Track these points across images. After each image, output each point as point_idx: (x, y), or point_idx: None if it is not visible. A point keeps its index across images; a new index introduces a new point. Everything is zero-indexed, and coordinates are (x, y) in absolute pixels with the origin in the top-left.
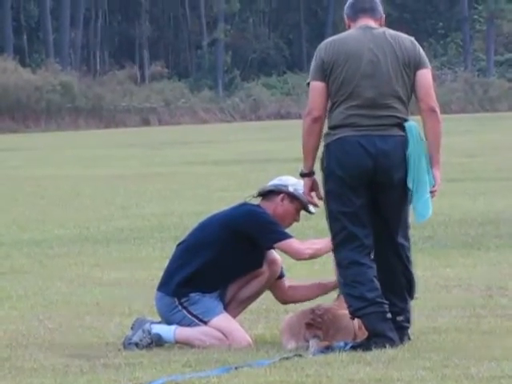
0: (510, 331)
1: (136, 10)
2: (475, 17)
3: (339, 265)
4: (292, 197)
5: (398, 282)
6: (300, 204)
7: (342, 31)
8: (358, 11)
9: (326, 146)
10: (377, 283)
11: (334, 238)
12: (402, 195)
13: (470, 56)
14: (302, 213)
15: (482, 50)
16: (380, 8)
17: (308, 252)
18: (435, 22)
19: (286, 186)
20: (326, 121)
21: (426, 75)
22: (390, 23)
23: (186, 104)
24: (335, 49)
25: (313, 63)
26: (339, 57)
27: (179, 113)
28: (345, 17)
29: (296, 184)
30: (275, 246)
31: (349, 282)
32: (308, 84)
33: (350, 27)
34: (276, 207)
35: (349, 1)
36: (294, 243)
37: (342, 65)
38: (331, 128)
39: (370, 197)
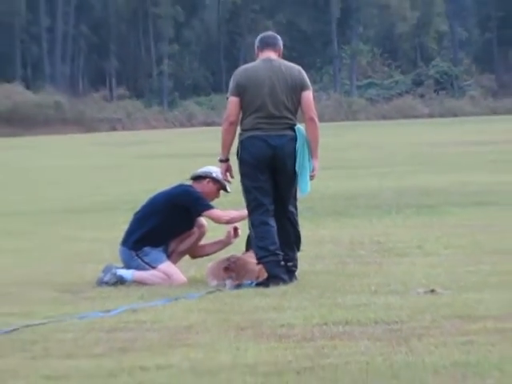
0: (366, 274)
1: (106, 51)
2: (343, 54)
3: (252, 224)
4: (215, 180)
5: (289, 239)
6: (220, 185)
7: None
8: (264, 45)
9: (241, 142)
10: (276, 239)
11: (248, 205)
12: (291, 177)
13: (338, 82)
14: (222, 191)
15: (347, 77)
16: (280, 43)
17: (225, 218)
18: (314, 58)
19: (210, 172)
20: (239, 125)
21: (308, 95)
22: (284, 58)
23: (141, 115)
24: (246, 75)
25: (231, 84)
26: (249, 82)
27: (136, 122)
28: (255, 47)
29: (217, 171)
30: (203, 213)
31: (258, 237)
32: (227, 98)
33: (258, 56)
34: (203, 187)
35: (259, 36)
36: (216, 212)
37: (250, 87)
38: (244, 130)
39: (271, 177)
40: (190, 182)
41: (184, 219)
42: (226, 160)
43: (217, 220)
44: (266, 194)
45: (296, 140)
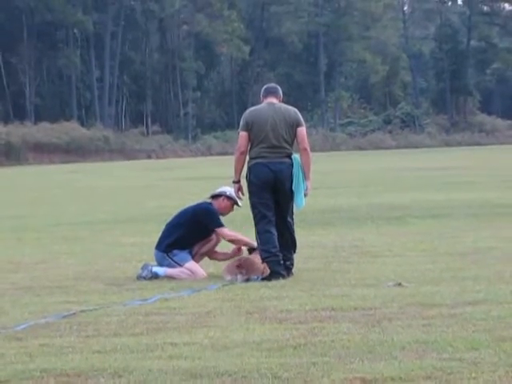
0: (347, 271)
1: (144, 96)
2: (328, 100)
3: (258, 232)
4: (228, 197)
5: (287, 243)
6: (233, 201)
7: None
8: (268, 93)
9: (249, 168)
10: (277, 243)
11: (254, 217)
12: (289, 195)
13: (325, 121)
14: (235, 206)
15: (331, 117)
16: (280, 91)
17: (229, 238)
18: (306, 102)
19: (225, 192)
20: (248, 154)
21: (302, 130)
22: (283, 102)
23: (171, 147)
24: (253, 115)
25: (241, 122)
26: (255, 119)
27: (167, 152)
28: (261, 94)
29: (231, 190)
30: (215, 229)
31: (262, 242)
32: (238, 133)
33: (262, 101)
34: (220, 204)
35: (264, 86)
36: (224, 230)
37: (256, 124)
38: (252, 158)
39: (272, 195)
40: (209, 200)
41: (204, 230)
42: (238, 181)
43: (223, 237)
44: (269, 208)
45: (292, 166)
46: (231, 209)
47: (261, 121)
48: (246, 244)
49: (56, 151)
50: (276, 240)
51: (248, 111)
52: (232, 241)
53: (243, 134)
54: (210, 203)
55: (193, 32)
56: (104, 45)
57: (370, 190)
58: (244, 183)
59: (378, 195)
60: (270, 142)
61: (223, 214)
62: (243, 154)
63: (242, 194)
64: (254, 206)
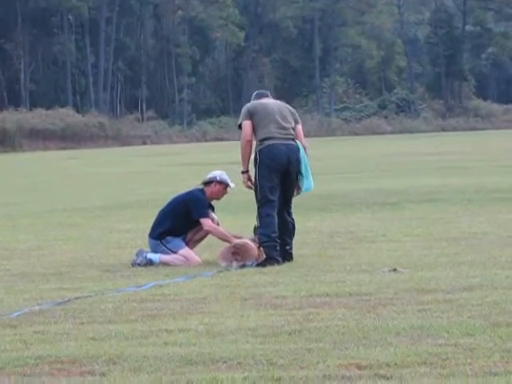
0: (342, 257)
1: (139, 82)
2: (323, 85)
3: (260, 215)
4: (219, 182)
5: (288, 228)
6: (224, 184)
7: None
8: (261, 95)
9: (260, 151)
10: (276, 229)
11: (259, 201)
12: (295, 178)
13: (320, 106)
14: (231, 195)
15: (327, 103)
16: (270, 95)
17: (209, 229)
18: (301, 88)
19: (215, 177)
20: (255, 138)
21: (300, 128)
22: (278, 91)
23: (166, 133)
24: (255, 105)
25: (242, 113)
26: (258, 109)
27: (162, 138)
28: (253, 99)
29: (220, 174)
30: (200, 219)
31: (263, 225)
32: (239, 126)
33: None
34: (212, 189)
35: (254, 93)
36: (207, 221)
37: (260, 112)
38: (262, 140)
39: (281, 178)
40: (201, 186)
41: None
42: (246, 171)
43: (203, 226)
44: (275, 192)
45: (299, 149)
46: (224, 191)
47: (264, 108)
48: (222, 238)
49: (51, 137)
50: (276, 225)
51: (248, 104)
52: (210, 232)
53: (247, 123)
54: (202, 190)
55: (187, 17)
56: (99, 31)
57: (366, 176)
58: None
59: (374, 181)
60: (278, 123)
61: (217, 199)
62: (249, 142)
63: (252, 183)
64: (261, 189)
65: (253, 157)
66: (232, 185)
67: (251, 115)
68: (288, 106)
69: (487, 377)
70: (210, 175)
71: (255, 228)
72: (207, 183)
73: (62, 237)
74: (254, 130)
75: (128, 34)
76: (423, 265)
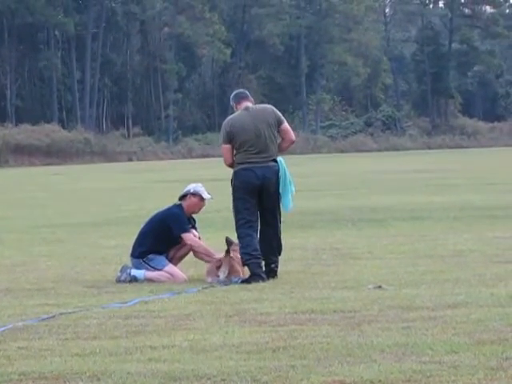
0: (327, 273)
1: (125, 98)
2: (309, 102)
3: (239, 236)
4: (193, 194)
5: (272, 246)
6: (199, 196)
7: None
8: (240, 98)
9: (235, 173)
10: (257, 247)
11: (236, 222)
12: (275, 198)
13: (306, 123)
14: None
15: (313, 120)
16: (249, 95)
17: (191, 243)
18: (287, 105)
19: (189, 190)
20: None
21: (285, 126)
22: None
23: (152, 149)
24: (233, 125)
25: (221, 133)
26: (236, 129)
27: (148, 154)
28: (232, 103)
29: (194, 186)
30: (181, 234)
31: (244, 246)
32: (221, 144)
33: (236, 108)
34: (188, 203)
35: (233, 93)
36: (188, 236)
37: (238, 133)
38: (238, 163)
39: (257, 200)
40: (179, 202)
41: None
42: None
43: (186, 241)
44: (252, 213)
45: (278, 170)
46: (200, 204)
47: (243, 131)
48: (205, 253)
49: (37, 153)
50: (257, 243)
51: (227, 122)
52: (192, 247)
53: (226, 148)
54: (180, 205)
55: (174, 34)
56: (85, 46)
57: (351, 193)
58: (228, 187)
59: (359, 198)
60: (255, 149)
61: (195, 212)
62: (231, 165)
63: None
64: (237, 211)
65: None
66: (206, 196)
67: (230, 139)
68: (268, 109)
69: None
70: (185, 190)
71: (227, 240)
72: (183, 197)
73: (47, 253)
74: (233, 150)
75: (114, 50)
76: (408, 282)
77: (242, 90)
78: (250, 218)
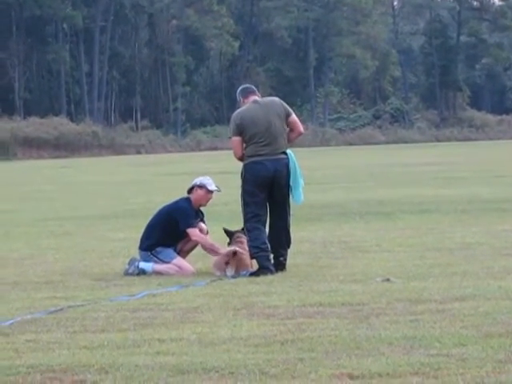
0: (335, 266)
1: (133, 91)
2: (318, 95)
3: (247, 229)
4: (199, 186)
5: (281, 239)
6: (205, 189)
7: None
8: (247, 92)
9: (245, 165)
10: (266, 240)
11: (245, 215)
12: (285, 192)
13: (314, 116)
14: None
15: (321, 112)
16: (256, 90)
17: (196, 239)
18: (295, 98)
19: (195, 183)
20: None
21: (294, 118)
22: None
23: (160, 142)
24: (243, 117)
25: (231, 126)
26: (246, 122)
27: (156, 147)
28: (239, 97)
29: (201, 179)
30: (186, 230)
31: (252, 239)
32: (230, 137)
33: (243, 102)
34: (195, 196)
35: (239, 89)
36: (193, 231)
37: (248, 126)
38: (248, 156)
39: (267, 193)
40: (187, 195)
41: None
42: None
43: (192, 236)
44: (261, 207)
45: (288, 162)
46: (208, 196)
47: (253, 123)
48: (210, 249)
49: (45, 146)
50: (265, 237)
51: (236, 114)
52: (198, 242)
53: (236, 140)
54: (188, 199)
55: (182, 27)
56: (93, 39)
57: (360, 186)
58: (236, 180)
59: (368, 191)
60: (264, 140)
61: (203, 205)
62: (241, 158)
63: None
64: (246, 205)
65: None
66: (212, 188)
67: (240, 131)
68: (276, 102)
69: None
70: (192, 182)
71: (225, 231)
72: (190, 190)
73: (55, 246)
74: (244, 143)
75: (122, 42)
76: (416, 275)
77: (248, 84)
78: (258, 211)
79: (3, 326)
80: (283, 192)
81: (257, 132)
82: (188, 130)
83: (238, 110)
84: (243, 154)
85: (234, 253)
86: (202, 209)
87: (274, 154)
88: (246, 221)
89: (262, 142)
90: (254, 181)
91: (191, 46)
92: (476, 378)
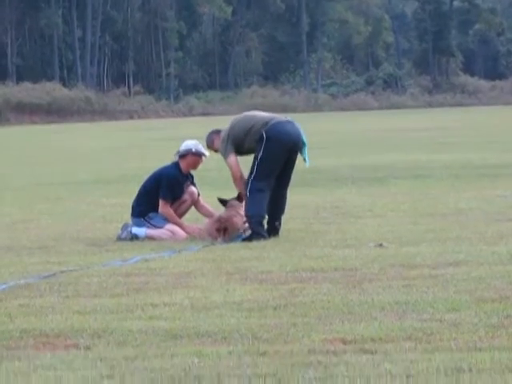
0: (327, 232)
1: (126, 56)
2: (311, 60)
3: (250, 190)
4: (194, 153)
5: (283, 206)
6: (198, 155)
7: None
8: (213, 133)
9: (267, 131)
10: (265, 205)
11: (255, 177)
12: (295, 161)
13: (307, 82)
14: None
15: (314, 78)
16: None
17: (163, 212)
18: (288, 63)
19: (190, 149)
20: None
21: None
22: (265, 65)
23: (152, 108)
24: (230, 127)
25: (223, 145)
26: (237, 124)
27: (149, 112)
28: (211, 139)
29: (195, 145)
30: (159, 198)
31: (252, 202)
32: (225, 158)
33: (215, 143)
34: (188, 161)
35: (206, 136)
36: (163, 204)
37: (240, 124)
38: (264, 124)
39: (284, 161)
40: (176, 160)
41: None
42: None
43: (159, 208)
44: (275, 175)
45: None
46: (200, 161)
47: (243, 120)
48: (173, 221)
49: (38, 111)
50: (266, 202)
51: (223, 133)
52: (165, 215)
53: (233, 158)
54: (176, 164)
55: None
56: (86, 4)
57: (352, 151)
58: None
59: (360, 156)
60: (265, 115)
61: (194, 169)
62: (241, 178)
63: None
64: (263, 164)
65: (258, 137)
66: (207, 153)
67: (234, 138)
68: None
69: (472, 352)
70: (184, 147)
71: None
72: (182, 156)
73: (48, 210)
74: (244, 134)
75: (115, 7)
76: (409, 240)
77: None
78: (270, 179)
79: None
80: (294, 159)
81: (254, 124)
82: (181, 96)
83: (222, 131)
84: (243, 175)
85: (225, 220)
86: (192, 172)
87: (285, 118)
88: (253, 179)
89: (262, 116)
90: (281, 140)
91: (184, 11)
92: (469, 342)
